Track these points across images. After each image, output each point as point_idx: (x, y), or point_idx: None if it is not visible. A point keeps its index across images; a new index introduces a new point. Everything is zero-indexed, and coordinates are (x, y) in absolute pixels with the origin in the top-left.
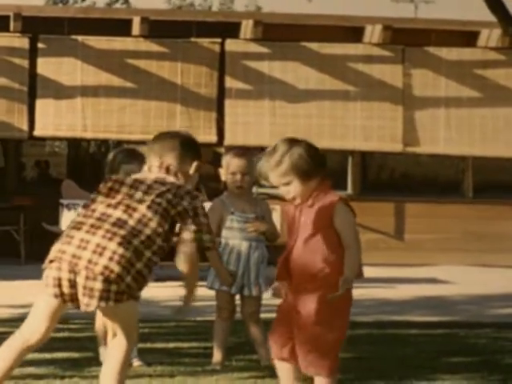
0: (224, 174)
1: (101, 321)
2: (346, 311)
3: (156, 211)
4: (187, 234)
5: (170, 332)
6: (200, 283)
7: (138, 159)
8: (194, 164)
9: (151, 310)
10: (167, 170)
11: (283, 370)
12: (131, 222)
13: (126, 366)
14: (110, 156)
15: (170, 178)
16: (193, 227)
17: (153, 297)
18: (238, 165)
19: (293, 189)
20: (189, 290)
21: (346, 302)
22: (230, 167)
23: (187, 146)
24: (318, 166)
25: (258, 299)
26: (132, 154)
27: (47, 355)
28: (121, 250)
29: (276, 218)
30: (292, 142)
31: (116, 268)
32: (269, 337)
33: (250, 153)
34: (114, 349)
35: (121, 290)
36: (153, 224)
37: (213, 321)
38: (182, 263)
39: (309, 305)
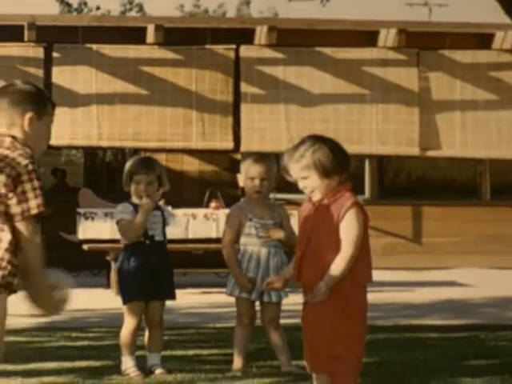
0: (242, 179)
1: (128, 328)
2: (358, 317)
3: None
4: (14, 208)
5: (190, 339)
6: (220, 290)
7: (147, 168)
8: (28, 116)
9: (171, 317)
10: None
11: (322, 381)
12: None
13: None
14: (125, 166)
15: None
16: (14, 200)
17: (173, 304)
18: (257, 170)
19: (310, 183)
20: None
21: (359, 307)
22: (249, 172)
23: (17, 100)
24: (339, 165)
25: (277, 305)
26: (140, 164)
27: (67, 364)
28: None
29: (294, 223)
30: (319, 138)
31: None
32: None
33: (268, 158)
34: None
35: None
36: None
37: (233, 327)
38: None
39: (315, 312)
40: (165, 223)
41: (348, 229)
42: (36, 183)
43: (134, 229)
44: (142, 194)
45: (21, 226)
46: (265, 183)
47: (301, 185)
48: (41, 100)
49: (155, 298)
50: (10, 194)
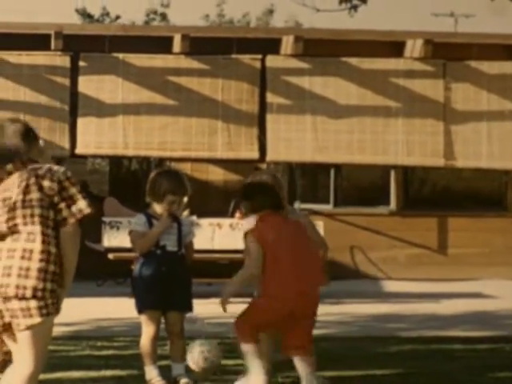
0: None
1: (146, 338)
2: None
3: None
4: (65, 212)
5: None
6: (245, 300)
7: (184, 190)
8: (41, 141)
9: (195, 327)
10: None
11: None
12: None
13: None
14: (154, 178)
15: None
16: (63, 205)
17: (197, 314)
18: None
19: None
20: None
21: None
22: None
23: (29, 138)
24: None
25: None
26: (178, 184)
27: (92, 373)
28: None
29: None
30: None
31: (29, 283)
32: None
33: (270, 180)
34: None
35: (47, 301)
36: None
37: None
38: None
39: None
40: (181, 235)
41: None
42: (78, 186)
43: (144, 241)
44: (172, 212)
45: (70, 228)
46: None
47: None
48: None
49: (171, 308)
50: (56, 198)
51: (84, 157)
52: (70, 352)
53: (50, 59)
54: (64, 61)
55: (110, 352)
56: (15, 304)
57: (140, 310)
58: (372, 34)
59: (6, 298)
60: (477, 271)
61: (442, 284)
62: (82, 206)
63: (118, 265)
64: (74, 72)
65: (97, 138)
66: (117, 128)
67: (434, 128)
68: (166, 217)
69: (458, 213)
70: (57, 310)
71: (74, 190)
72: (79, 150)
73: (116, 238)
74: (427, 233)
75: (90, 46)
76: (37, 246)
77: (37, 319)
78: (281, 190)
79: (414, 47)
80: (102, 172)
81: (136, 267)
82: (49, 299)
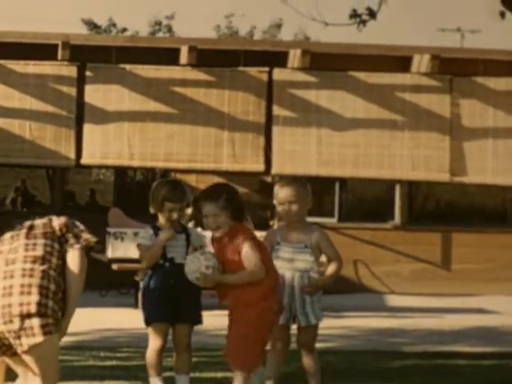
0: (276, 204)
1: (152, 350)
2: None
3: None
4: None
5: (219, 361)
6: None
7: (182, 197)
8: None
9: (200, 338)
10: None
11: None
12: None
13: None
14: (153, 188)
15: None
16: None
17: (202, 325)
18: (283, 195)
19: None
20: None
21: None
22: (277, 198)
23: None
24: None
25: (311, 328)
26: (175, 192)
27: (97, 383)
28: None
29: None
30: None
31: (32, 298)
32: None
33: (297, 181)
34: None
35: (48, 320)
36: None
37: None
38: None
39: None
40: (189, 246)
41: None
42: (79, 228)
43: (149, 255)
44: (174, 220)
45: (76, 252)
46: (293, 207)
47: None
48: None
49: (179, 321)
50: (68, 235)
51: (89, 167)
52: (74, 362)
53: (56, 69)
54: (71, 71)
55: (114, 363)
56: (17, 324)
57: (147, 322)
58: (379, 49)
59: (9, 320)
60: (480, 287)
61: (445, 299)
62: (87, 236)
63: (121, 275)
64: (80, 82)
65: (102, 148)
66: (122, 139)
67: (439, 143)
68: (167, 227)
69: (463, 228)
70: (59, 331)
71: (77, 230)
72: (85, 160)
73: (120, 249)
74: (431, 248)
75: (97, 56)
76: (37, 267)
77: (39, 338)
78: (308, 197)
79: (420, 62)
80: (106, 182)
81: (145, 280)
82: (50, 318)
